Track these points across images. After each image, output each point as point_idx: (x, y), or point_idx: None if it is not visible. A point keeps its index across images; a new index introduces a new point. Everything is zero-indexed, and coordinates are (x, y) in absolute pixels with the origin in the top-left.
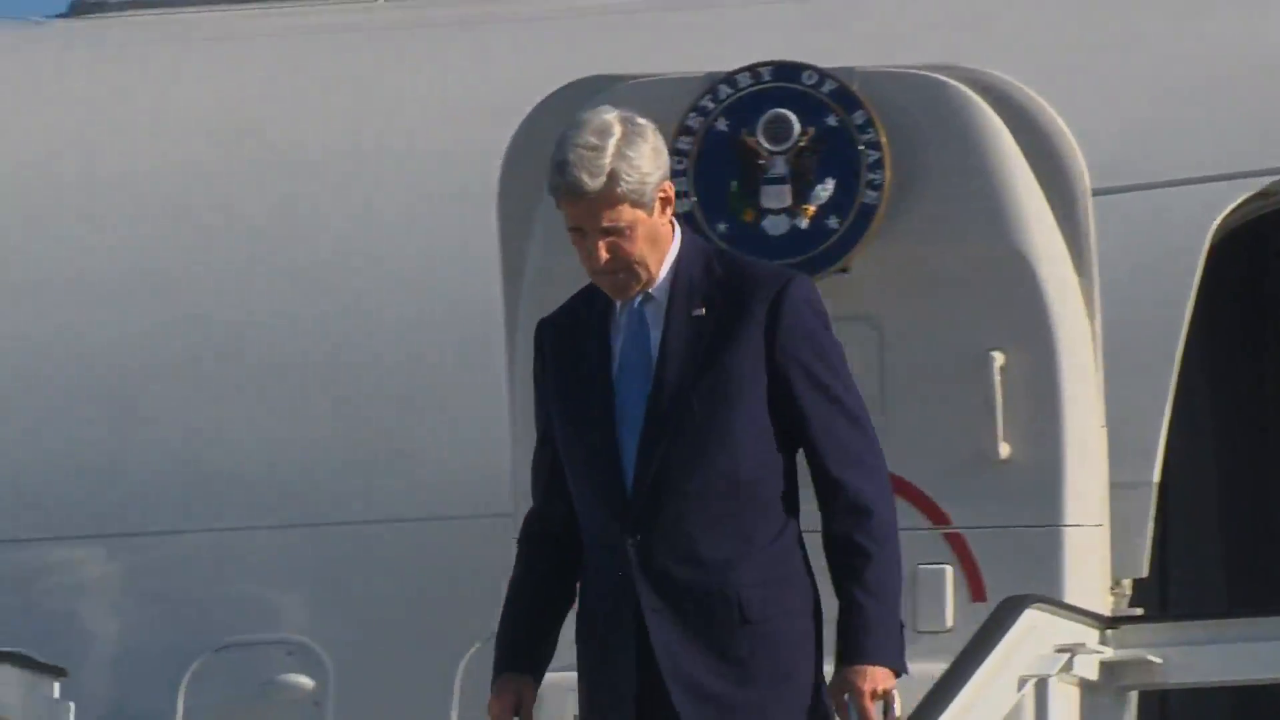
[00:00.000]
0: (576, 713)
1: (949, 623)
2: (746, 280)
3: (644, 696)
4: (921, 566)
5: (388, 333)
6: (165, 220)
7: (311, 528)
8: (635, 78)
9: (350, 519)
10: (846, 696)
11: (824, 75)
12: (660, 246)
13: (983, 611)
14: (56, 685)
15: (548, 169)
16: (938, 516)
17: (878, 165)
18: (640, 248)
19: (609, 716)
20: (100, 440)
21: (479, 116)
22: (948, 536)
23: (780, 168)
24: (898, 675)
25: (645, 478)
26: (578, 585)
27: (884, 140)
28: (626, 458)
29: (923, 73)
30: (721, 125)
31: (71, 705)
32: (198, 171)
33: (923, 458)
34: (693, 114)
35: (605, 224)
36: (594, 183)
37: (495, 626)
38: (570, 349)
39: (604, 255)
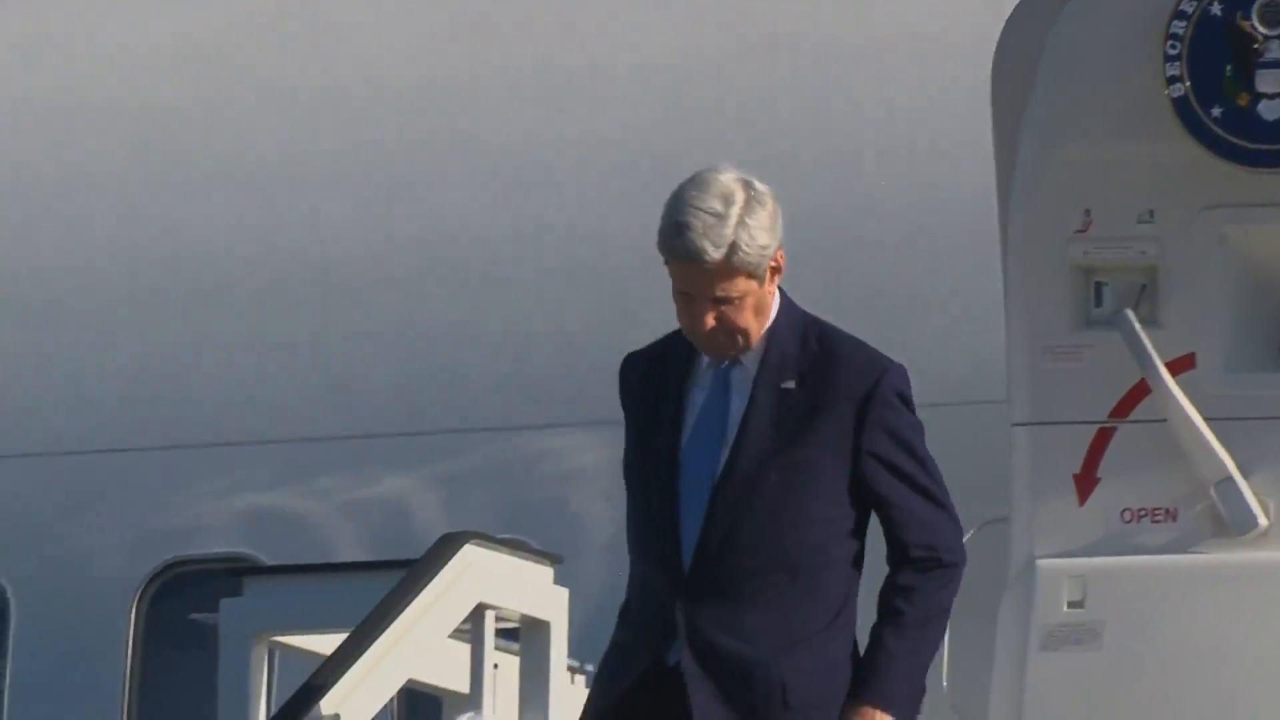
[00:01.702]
0: None
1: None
2: (842, 362)
3: None
4: None
5: (897, 222)
6: None
7: None
8: None
9: None
10: None
11: None
12: (764, 315)
13: None
14: (551, 572)
15: (661, 227)
16: None
17: None
18: (747, 316)
19: None
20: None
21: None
22: None
23: (1276, 51)
24: None
25: (708, 547)
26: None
27: None
28: (686, 522)
29: None
30: (1215, 9)
31: (566, 591)
32: None
33: None
34: None
35: (719, 294)
36: (716, 253)
37: (993, 513)
38: (649, 399)
39: (710, 322)
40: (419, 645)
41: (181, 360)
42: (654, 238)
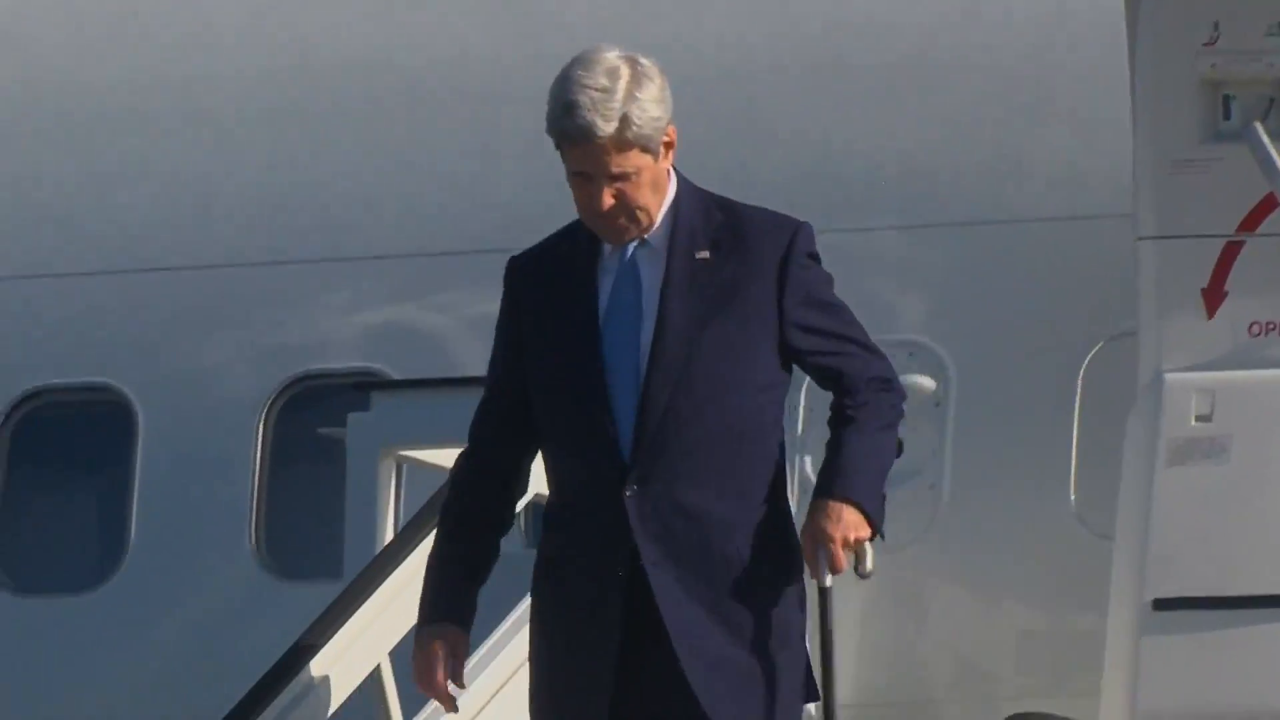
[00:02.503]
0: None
1: None
2: (752, 226)
3: (628, 647)
4: None
5: (1024, 32)
6: None
7: (933, 228)
8: None
9: (972, 219)
10: (818, 547)
11: None
12: (660, 192)
13: None
14: None
15: (550, 110)
16: None
17: None
18: (645, 193)
19: (588, 665)
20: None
21: None
22: None
23: None
24: (874, 533)
25: (646, 429)
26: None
27: None
28: (619, 404)
29: None
30: None
31: None
32: None
33: None
34: None
35: (614, 169)
36: (607, 126)
37: (1118, 328)
38: (552, 292)
39: (609, 201)
40: None
41: (309, 175)
42: None
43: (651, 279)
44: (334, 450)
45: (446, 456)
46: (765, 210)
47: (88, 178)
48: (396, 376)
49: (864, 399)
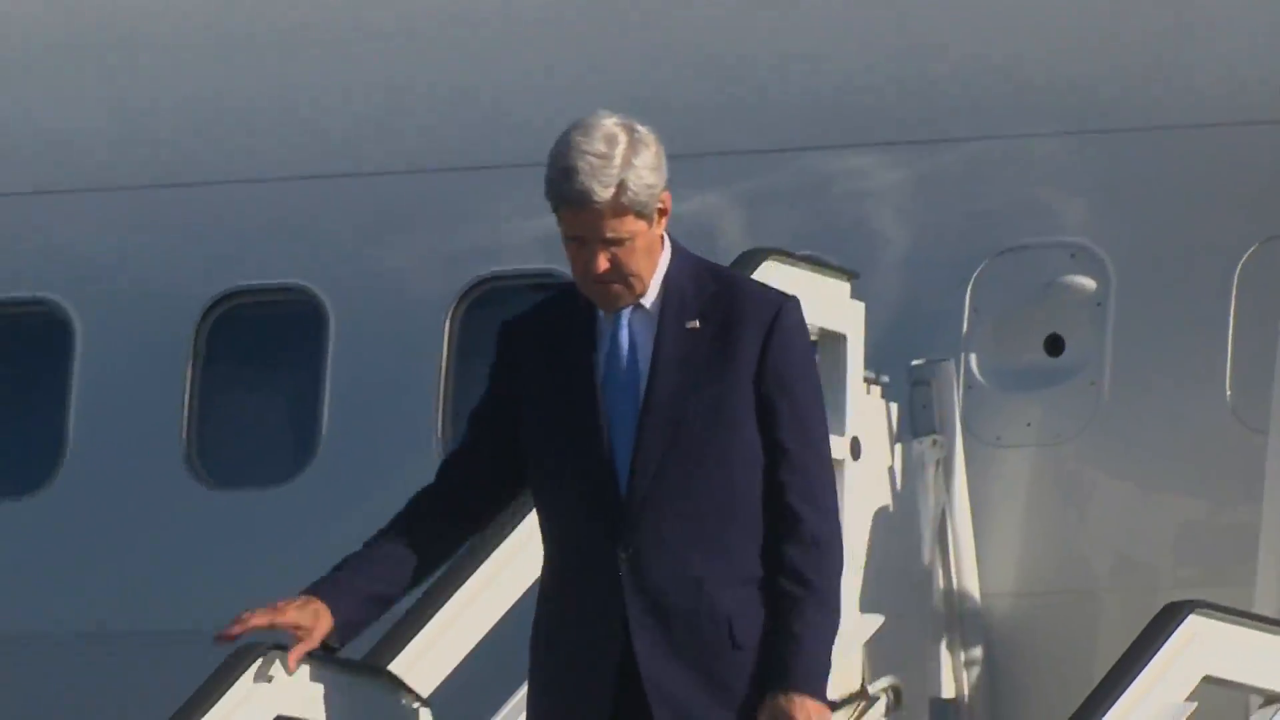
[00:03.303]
0: None
1: None
2: (740, 299)
3: (620, 712)
4: None
5: None
6: None
7: (1094, 134)
8: None
9: (1134, 125)
10: None
11: None
12: (654, 257)
13: None
14: (849, 286)
15: (549, 175)
16: None
17: None
18: (639, 259)
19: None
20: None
21: None
22: None
23: None
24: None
25: (639, 491)
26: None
27: None
28: (616, 469)
29: None
30: None
31: (862, 305)
32: None
33: None
34: None
35: (608, 235)
36: (604, 193)
37: (1273, 230)
38: (550, 356)
39: (604, 265)
40: None
41: (493, 83)
42: None
43: (644, 346)
44: None
45: None
46: (755, 284)
47: (283, 86)
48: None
49: (799, 564)
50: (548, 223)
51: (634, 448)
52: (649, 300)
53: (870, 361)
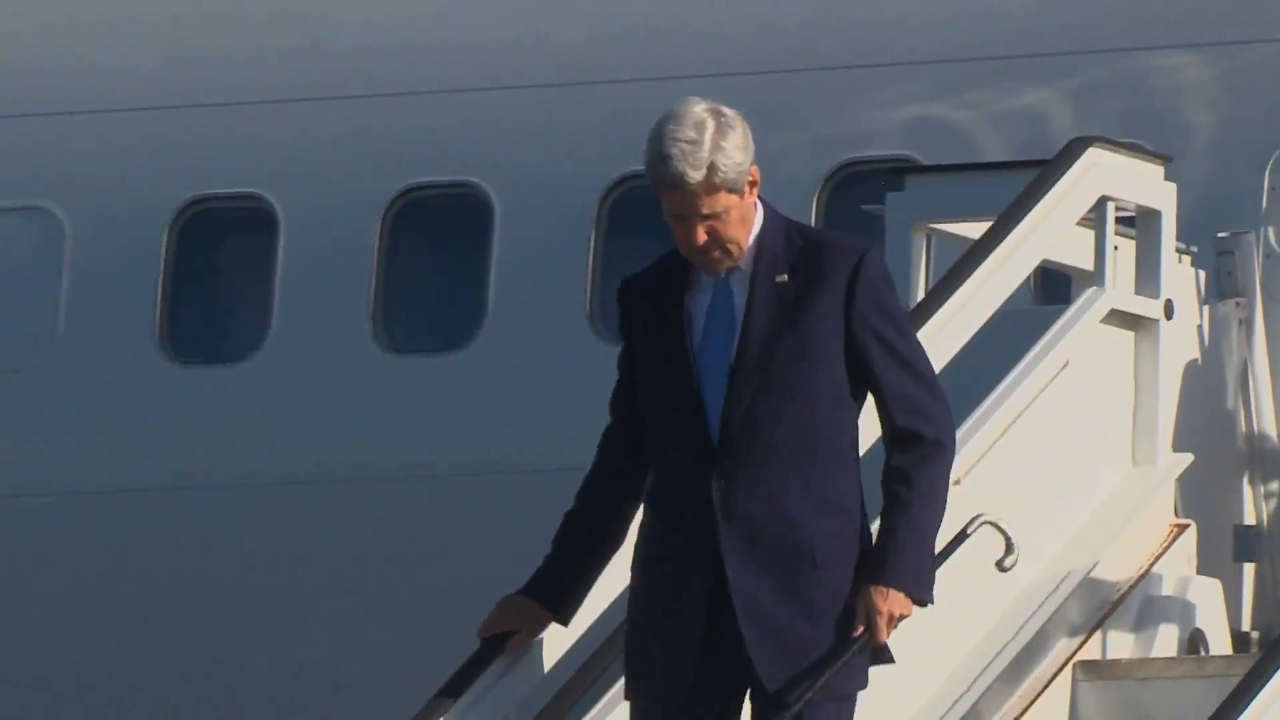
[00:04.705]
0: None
1: None
2: (825, 252)
3: (711, 622)
4: None
5: None
6: None
7: None
8: None
9: None
10: (868, 616)
11: None
12: (748, 224)
13: None
14: (1162, 169)
15: (647, 160)
16: None
17: None
18: (734, 228)
19: (677, 636)
20: None
21: None
22: None
23: None
24: (920, 606)
25: (731, 425)
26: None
27: None
28: (711, 408)
29: None
30: None
31: (1173, 186)
32: None
33: None
34: None
35: (705, 211)
36: (696, 174)
37: None
38: (656, 311)
39: (703, 237)
40: (1052, 231)
41: None
42: None
43: (739, 299)
44: (875, 224)
45: (967, 229)
46: (838, 237)
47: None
48: (926, 162)
49: (904, 464)
50: (903, 115)
51: (727, 389)
52: (746, 259)
53: (1181, 234)
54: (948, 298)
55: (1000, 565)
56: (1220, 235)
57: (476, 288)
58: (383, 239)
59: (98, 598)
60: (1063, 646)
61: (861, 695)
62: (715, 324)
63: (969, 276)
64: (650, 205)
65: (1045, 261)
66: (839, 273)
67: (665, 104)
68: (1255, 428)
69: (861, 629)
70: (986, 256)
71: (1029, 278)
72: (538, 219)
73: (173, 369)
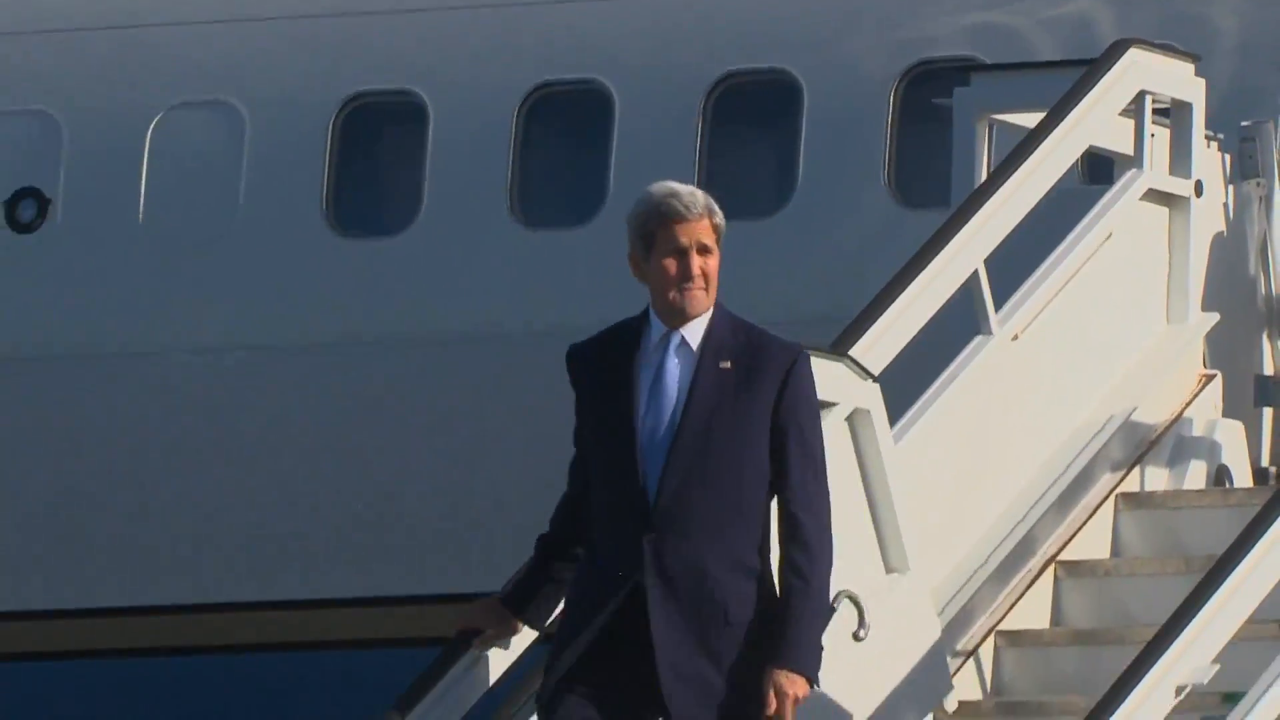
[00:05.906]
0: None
1: None
2: (764, 349)
3: (623, 661)
4: None
5: None
6: None
7: None
8: None
9: None
10: (778, 699)
11: None
12: (715, 283)
13: None
14: (1192, 66)
15: (647, 211)
16: None
17: None
18: (714, 273)
19: (596, 668)
20: None
21: None
22: None
23: None
24: (812, 687)
25: (665, 494)
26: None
27: None
28: (649, 477)
29: None
30: None
31: (1203, 81)
32: None
33: None
34: None
35: (704, 241)
36: (700, 208)
37: None
38: (601, 381)
39: (698, 269)
40: (1098, 121)
41: None
42: None
43: (685, 376)
44: (944, 116)
45: (1025, 119)
46: (777, 339)
47: None
48: (989, 62)
49: (802, 562)
50: (969, 21)
51: (665, 460)
52: (694, 341)
53: (1210, 123)
54: (1008, 178)
55: (855, 636)
56: (1243, 124)
57: (599, 172)
58: (516, 130)
59: (285, 447)
60: (1106, 480)
61: (939, 518)
62: (656, 398)
63: (1026, 160)
64: (750, 97)
65: (1092, 147)
66: (775, 370)
67: (766, 7)
68: (1273, 290)
69: (773, 708)
70: (1041, 143)
71: (1077, 161)
72: (651, 112)
73: (337, 240)
